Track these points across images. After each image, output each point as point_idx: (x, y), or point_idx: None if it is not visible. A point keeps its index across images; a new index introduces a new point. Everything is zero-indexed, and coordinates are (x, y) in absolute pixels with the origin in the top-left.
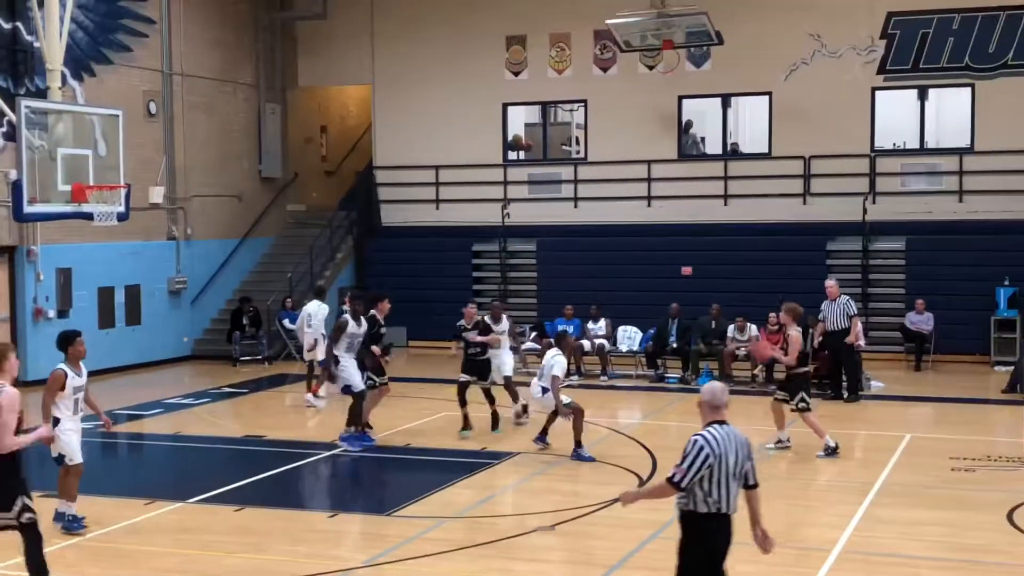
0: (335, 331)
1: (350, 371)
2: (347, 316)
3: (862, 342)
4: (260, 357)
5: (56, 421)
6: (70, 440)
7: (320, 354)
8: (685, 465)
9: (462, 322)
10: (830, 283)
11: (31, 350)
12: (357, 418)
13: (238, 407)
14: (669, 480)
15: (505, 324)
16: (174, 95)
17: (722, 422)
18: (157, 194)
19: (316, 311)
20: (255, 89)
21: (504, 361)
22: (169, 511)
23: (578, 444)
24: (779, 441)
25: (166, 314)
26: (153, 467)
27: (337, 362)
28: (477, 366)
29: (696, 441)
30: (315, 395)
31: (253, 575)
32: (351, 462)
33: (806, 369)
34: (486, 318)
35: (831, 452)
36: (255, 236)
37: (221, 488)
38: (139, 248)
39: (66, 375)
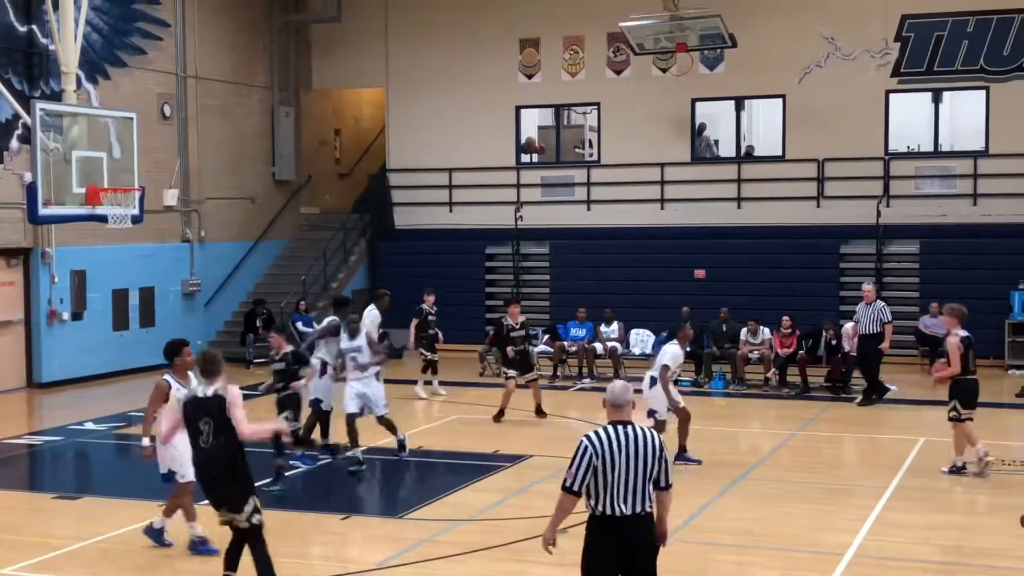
0: (327, 332)
1: (330, 385)
2: (338, 320)
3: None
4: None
5: (152, 437)
6: (182, 453)
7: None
8: (572, 468)
9: (273, 352)
10: (867, 287)
11: (45, 352)
12: (307, 434)
13: (251, 409)
14: (562, 486)
15: (361, 340)
16: (188, 98)
17: (624, 422)
18: (171, 197)
19: (367, 314)
20: (269, 92)
21: (377, 395)
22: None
23: (682, 448)
24: (963, 463)
25: (180, 316)
26: None
27: (344, 367)
28: (288, 403)
29: (581, 442)
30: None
31: None
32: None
33: (971, 377)
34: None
35: (957, 470)
36: (269, 239)
37: None
38: (153, 250)
39: (170, 386)
